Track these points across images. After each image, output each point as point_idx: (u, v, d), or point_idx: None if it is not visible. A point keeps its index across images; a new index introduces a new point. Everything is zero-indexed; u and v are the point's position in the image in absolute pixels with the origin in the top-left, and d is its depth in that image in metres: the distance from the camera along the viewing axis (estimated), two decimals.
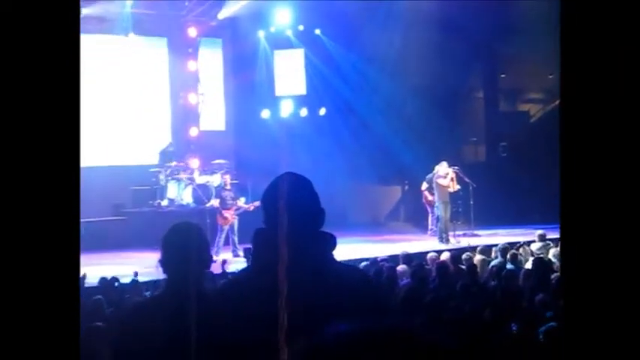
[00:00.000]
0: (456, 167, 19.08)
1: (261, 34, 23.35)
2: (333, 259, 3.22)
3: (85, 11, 17.73)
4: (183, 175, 19.86)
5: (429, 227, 20.28)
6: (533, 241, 14.63)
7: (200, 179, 20.03)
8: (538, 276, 9.38)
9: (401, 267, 11.77)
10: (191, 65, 21.65)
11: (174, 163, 20.02)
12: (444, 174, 18.55)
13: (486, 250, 14.17)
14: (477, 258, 12.87)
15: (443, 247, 16.98)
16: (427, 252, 14.17)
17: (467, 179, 19.41)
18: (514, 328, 6.90)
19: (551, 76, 24.50)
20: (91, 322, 7.12)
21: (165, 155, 20.48)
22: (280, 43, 23.51)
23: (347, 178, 21.39)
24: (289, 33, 23.44)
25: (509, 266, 11.48)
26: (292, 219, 3.06)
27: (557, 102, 24.37)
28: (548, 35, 20.23)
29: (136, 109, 21.61)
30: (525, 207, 21.89)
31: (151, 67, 22.05)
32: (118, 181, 19.74)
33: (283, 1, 22.74)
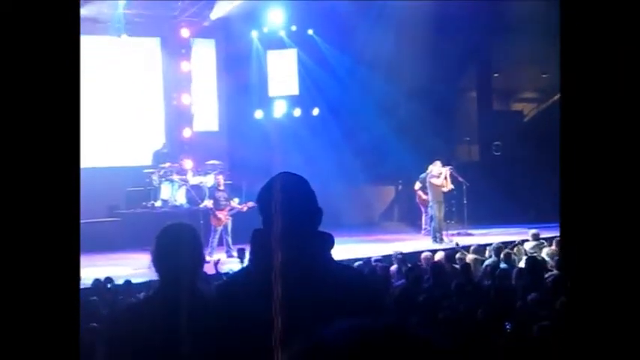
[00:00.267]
0: (449, 166, 19.11)
1: (254, 34, 23.35)
2: (331, 259, 3.22)
3: None
4: (176, 176, 19.84)
5: (423, 227, 20.29)
6: (527, 240, 14.66)
7: (194, 180, 20.00)
8: (531, 275, 9.39)
9: (394, 267, 11.78)
10: (184, 66, 21.63)
11: (167, 164, 19.99)
12: (438, 173, 18.57)
13: (480, 249, 14.18)
14: (470, 257, 12.89)
15: (437, 246, 16.99)
16: (421, 251, 14.17)
17: (460, 178, 19.43)
18: (508, 327, 6.91)
19: (544, 76, 24.57)
20: (87, 323, 7.11)
21: (159, 156, 20.47)
22: (273, 43, 23.51)
23: (340, 178, 21.38)
24: (282, 33, 23.43)
25: (503, 265, 11.50)
26: (290, 219, 3.06)
27: (551, 101, 24.48)
28: (541, 35, 20.40)
29: (130, 110, 21.59)
30: (519, 206, 21.91)
31: (144, 68, 22.02)
32: (112, 182, 19.72)
33: (276, 2, 22.73)
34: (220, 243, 17.18)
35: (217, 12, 21.61)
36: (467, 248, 14.44)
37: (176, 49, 21.62)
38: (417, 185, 19.95)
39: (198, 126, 22.06)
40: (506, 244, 14.27)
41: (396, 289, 9.60)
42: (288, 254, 2.99)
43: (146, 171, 20.20)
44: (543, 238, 14.51)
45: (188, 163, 20.38)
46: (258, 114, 23.37)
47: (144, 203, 19.90)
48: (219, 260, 13.21)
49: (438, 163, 18.75)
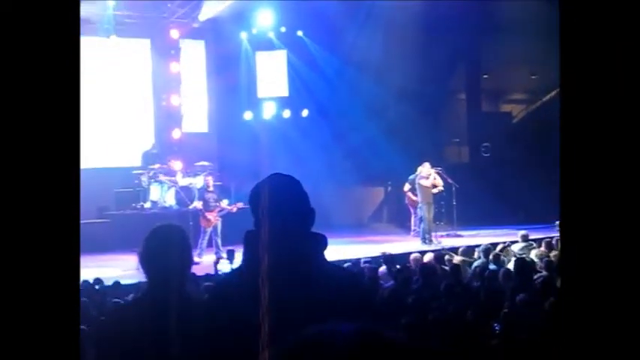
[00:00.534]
0: (438, 168, 19.14)
1: (243, 35, 23.35)
2: (324, 260, 3.22)
3: None
4: (165, 178, 19.80)
5: (412, 228, 20.31)
6: (516, 242, 14.68)
7: (183, 181, 19.97)
8: (520, 276, 9.40)
9: (383, 268, 11.78)
10: (174, 67, 21.60)
11: (157, 166, 19.96)
12: (427, 175, 18.59)
13: (469, 250, 14.20)
14: (459, 259, 12.90)
15: (426, 247, 17.00)
16: (410, 253, 14.17)
17: (450, 180, 19.47)
18: (497, 328, 6.92)
19: (533, 77, 24.63)
20: None
21: (148, 157, 20.44)
22: (262, 44, 23.52)
23: (330, 180, 21.37)
24: (271, 34, 23.45)
25: (492, 267, 11.50)
26: (283, 220, 3.06)
27: (540, 103, 24.55)
28: (530, 36, 20.46)
29: (119, 112, 21.57)
30: (508, 207, 21.95)
31: (133, 69, 22.00)
32: (101, 183, 19.65)
33: (265, 3, 22.74)
34: (210, 244, 17.14)
35: (206, 13, 21.60)
36: (455, 250, 14.46)
37: (165, 50, 21.59)
38: (407, 187, 19.95)
39: (187, 127, 22.03)
40: (495, 245, 14.30)
41: (385, 290, 9.60)
42: (281, 255, 2.99)
43: (135, 172, 20.18)
44: (532, 240, 14.54)
45: (177, 165, 20.33)
46: (248, 115, 23.36)
47: (133, 204, 19.88)
48: (218, 260, 13.21)
49: (426, 165, 18.76)
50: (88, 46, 20.00)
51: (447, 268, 11.55)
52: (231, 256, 12.07)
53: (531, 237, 14.75)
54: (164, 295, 3.55)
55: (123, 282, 11.48)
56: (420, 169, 18.76)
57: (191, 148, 21.11)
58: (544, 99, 24.75)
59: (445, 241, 18.34)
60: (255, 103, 23.58)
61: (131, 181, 20.14)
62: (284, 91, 23.69)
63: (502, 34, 22.33)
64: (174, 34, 21.50)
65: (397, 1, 21.59)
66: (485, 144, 24.68)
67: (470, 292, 9.15)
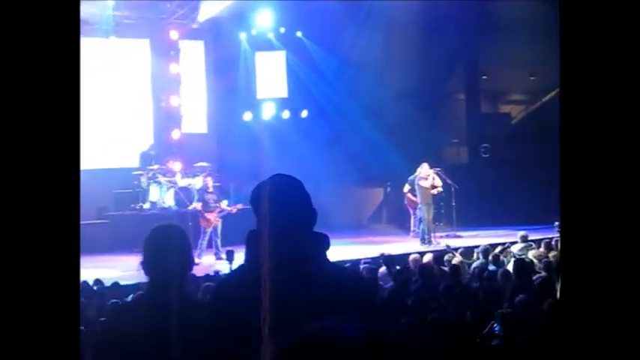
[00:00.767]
0: (437, 169, 19.14)
1: (242, 36, 23.33)
2: (327, 260, 3.22)
3: None
4: (164, 178, 19.79)
5: (412, 229, 20.30)
6: (516, 242, 14.67)
7: (182, 182, 19.97)
8: (519, 277, 9.41)
9: (382, 269, 11.78)
10: (173, 68, 21.57)
11: (156, 166, 19.95)
12: (426, 175, 18.59)
13: (468, 251, 14.20)
14: (458, 259, 12.90)
15: (425, 248, 17.01)
16: (409, 253, 14.16)
17: (449, 180, 19.48)
18: (497, 328, 6.92)
19: (532, 78, 24.63)
20: None
21: (146, 158, 20.43)
22: (262, 45, 23.51)
23: (329, 181, 21.35)
24: (271, 35, 23.44)
25: (491, 267, 11.51)
26: (285, 220, 3.07)
27: (539, 103, 24.55)
28: (529, 36, 20.47)
29: (118, 112, 21.54)
30: (507, 208, 21.95)
31: (132, 70, 21.98)
32: (100, 184, 19.63)
33: (265, 4, 22.73)
34: (209, 245, 17.14)
35: (206, 14, 21.59)
36: (455, 250, 14.46)
37: (165, 51, 21.57)
38: (407, 188, 19.93)
39: (186, 128, 22.00)
40: (494, 245, 14.29)
41: (384, 291, 9.60)
42: (283, 255, 2.99)
43: (135, 173, 20.17)
44: (532, 240, 14.53)
45: (177, 165, 20.33)
46: (247, 116, 23.35)
47: (132, 205, 19.88)
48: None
49: (425, 165, 18.76)
50: (87, 46, 19.96)
51: (446, 269, 11.55)
52: (230, 257, 12.06)
53: (531, 238, 14.74)
54: (165, 296, 3.55)
55: (122, 283, 11.47)
56: (418, 169, 18.76)
57: (190, 149, 21.09)
58: (543, 100, 24.75)
59: (444, 241, 18.32)
60: (254, 104, 23.56)
61: (130, 182, 20.13)
62: (283, 91, 23.69)
63: (501, 35, 22.32)
64: (174, 34, 21.48)
65: (396, 1, 21.59)
66: (484, 145, 24.66)
67: (469, 293, 9.16)
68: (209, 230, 17.09)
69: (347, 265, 12.19)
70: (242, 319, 2.96)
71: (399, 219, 22.67)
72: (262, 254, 3.00)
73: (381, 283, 10.54)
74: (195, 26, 22.05)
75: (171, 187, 19.79)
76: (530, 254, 13.05)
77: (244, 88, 23.40)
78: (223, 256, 15.19)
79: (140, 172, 20.02)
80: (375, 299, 7.00)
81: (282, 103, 23.73)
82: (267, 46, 23.54)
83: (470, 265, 12.66)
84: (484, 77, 25.79)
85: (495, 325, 6.93)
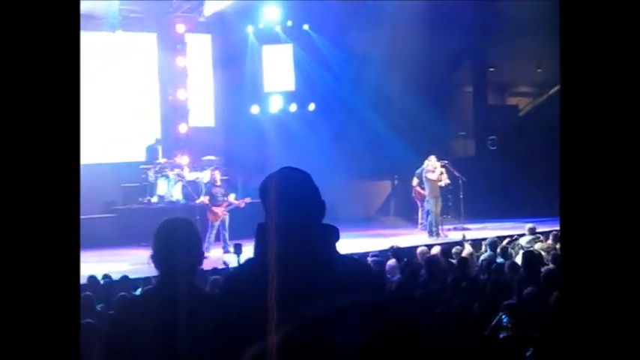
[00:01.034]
0: (445, 161, 19.13)
1: (249, 29, 23.31)
2: (336, 252, 3.22)
3: None
4: (172, 172, 19.82)
5: (419, 221, 20.30)
6: (524, 235, 14.67)
7: (190, 176, 20.00)
8: (527, 269, 9.40)
9: (391, 262, 11.78)
10: (180, 61, 21.56)
11: (163, 160, 19.99)
12: (433, 168, 18.59)
13: (476, 244, 14.20)
14: (467, 251, 12.90)
15: (433, 241, 17.02)
16: (417, 246, 14.17)
17: (456, 173, 19.48)
18: (505, 320, 6.92)
19: (539, 70, 24.58)
20: (82, 319, 7.10)
21: (152, 151, 20.46)
22: (269, 38, 23.49)
23: (337, 174, 21.36)
24: (278, 29, 23.42)
25: (499, 260, 11.50)
26: (294, 212, 3.07)
27: (546, 95, 24.50)
28: (536, 29, 20.40)
29: (125, 106, 21.57)
30: (515, 200, 21.94)
31: (139, 64, 22.01)
32: (108, 178, 19.70)
33: None
34: (217, 239, 17.16)
35: (213, 7, 21.59)
36: (462, 243, 14.47)
37: (172, 45, 21.56)
38: (415, 181, 19.92)
39: (194, 121, 22.00)
40: (502, 238, 14.29)
41: (392, 284, 9.61)
42: (292, 247, 3.00)
43: (142, 167, 20.20)
44: (539, 233, 14.52)
45: (184, 159, 20.36)
46: (254, 109, 23.36)
47: (140, 199, 19.92)
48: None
49: (432, 158, 18.76)
50: (94, 41, 20.02)
51: (454, 261, 11.55)
52: (238, 251, 12.07)
53: (538, 230, 14.73)
54: (175, 289, 3.56)
55: (131, 277, 11.47)
56: (426, 162, 18.77)
57: (198, 143, 21.12)
58: (550, 92, 24.70)
59: (452, 234, 18.33)
60: (261, 97, 23.57)
61: (138, 176, 20.16)
62: (290, 85, 23.69)
63: (508, 28, 22.29)
64: (180, 28, 21.47)
65: None
66: (491, 137, 24.63)
67: (477, 286, 9.15)
68: (217, 224, 17.11)
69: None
70: (251, 312, 2.96)
71: (406, 211, 22.69)
72: (271, 247, 3.00)
73: (388, 276, 10.54)
74: (201, 20, 22.06)
75: (179, 180, 19.82)
76: (538, 246, 13.04)
77: (251, 82, 23.39)
78: (231, 249, 15.20)
79: (148, 166, 20.05)
80: (384, 291, 7.01)
81: (290, 97, 23.73)
82: (274, 40, 23.52)
83: (478, 257, 12.66)
84: (491, 69, 25.76)
85: (504, 316, 6.92)
